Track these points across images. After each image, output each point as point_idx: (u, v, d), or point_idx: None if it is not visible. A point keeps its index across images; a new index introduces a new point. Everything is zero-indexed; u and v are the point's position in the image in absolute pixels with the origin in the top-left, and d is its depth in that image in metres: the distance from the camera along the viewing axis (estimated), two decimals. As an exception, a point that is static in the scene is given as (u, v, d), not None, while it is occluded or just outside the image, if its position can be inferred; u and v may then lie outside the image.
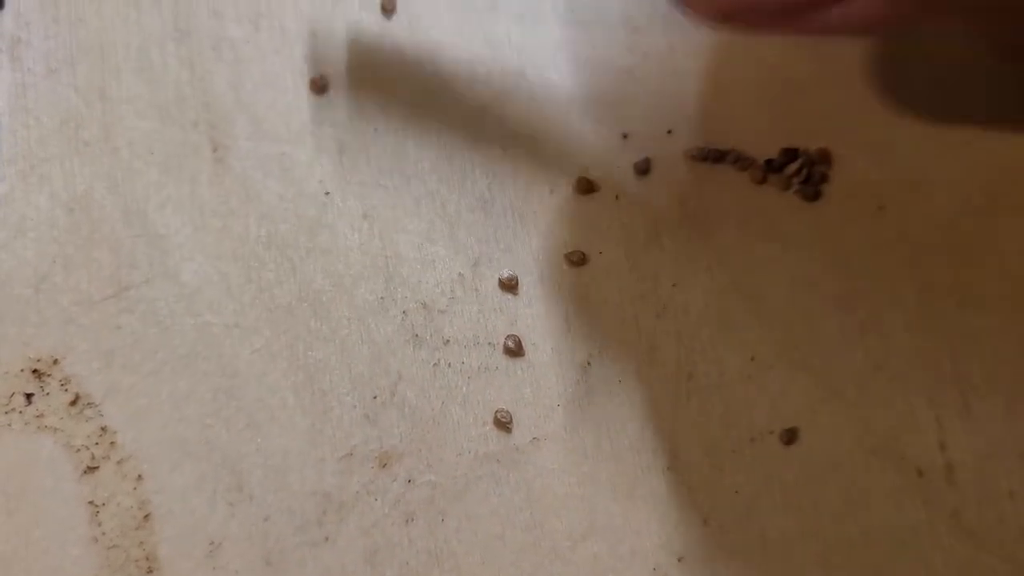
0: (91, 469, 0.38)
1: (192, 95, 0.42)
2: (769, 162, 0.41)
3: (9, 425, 0.39)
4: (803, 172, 0.40)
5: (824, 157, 0.41)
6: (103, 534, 0.37)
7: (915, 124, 0.41)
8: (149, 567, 0.37)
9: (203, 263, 0.40)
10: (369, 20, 0.43)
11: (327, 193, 0.41)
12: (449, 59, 0.43)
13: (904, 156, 0.41)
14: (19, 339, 0.39)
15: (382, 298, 0.40)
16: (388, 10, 0.43)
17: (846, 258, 0.39)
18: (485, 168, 0.41)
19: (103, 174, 0.41)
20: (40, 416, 0.39)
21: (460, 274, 0.40)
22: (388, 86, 0.42)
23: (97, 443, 0.38)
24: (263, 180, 0.41)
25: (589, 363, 0.39)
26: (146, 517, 0.38)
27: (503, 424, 0.38)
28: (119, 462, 0.38)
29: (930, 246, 0.39)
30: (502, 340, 0.39)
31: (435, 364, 0.39)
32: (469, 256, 0.40)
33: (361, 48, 0.43)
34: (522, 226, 0.40)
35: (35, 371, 0.39)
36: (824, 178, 0.41)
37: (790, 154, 0.41)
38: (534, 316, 0.39)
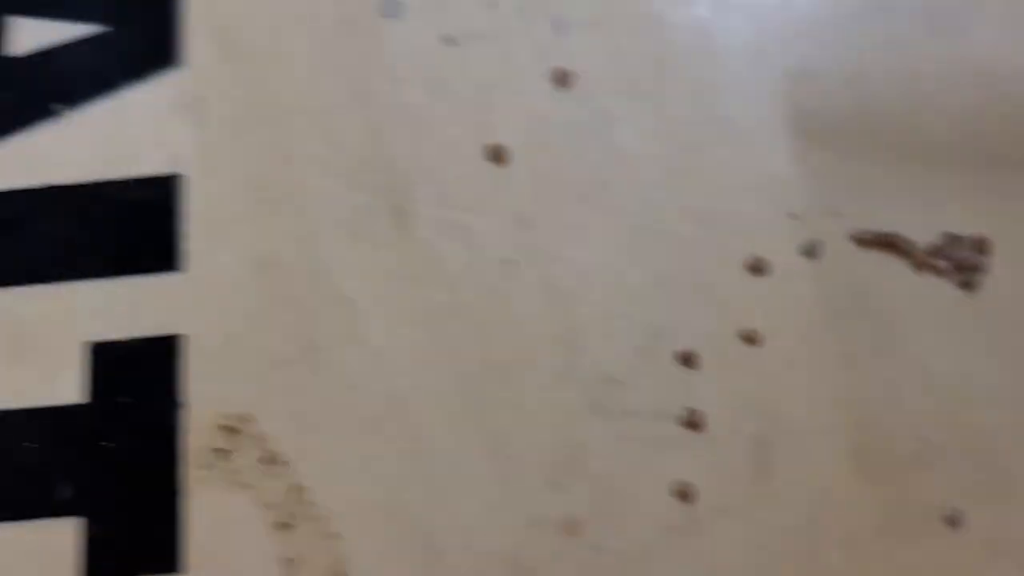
0: (285, 526, 0.39)
1: (374, 159, 0.44)
2: (931, 247, 0.43)
3: (204, 481, 0.40)
4: (965, 259, 0.42)
5: (986, 244, 0.43)
6: (299, 591, 0.39)
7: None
8: (353, 628, 0.38)
9: (390, 328, 0.42)
10: (544, 90, 0.45)
11: (508, 262, 0.42)
12: (625, 134, 0.44)
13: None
14: (213, 396, 0.41)
15: (565, 367, 0.41)
16: (563, 82, 0.45)
17: (1012, 348, 0.41)
18: (663, 242, 0.43)
19: (289, 235, 0.43)
20: (234, 472, 0.40)
21: (640, 347, 0.41)
22: (566, 157, 0.44)
23: (291, 501, 0.40)
24: (445, 247, 0.43)
25: (767, 439, 0.40)
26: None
27: (684, 496, 0.40)
28: (312, 520, 0.40)
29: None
30: (682, 413, 0.41)
31: (617, 434, 0.40)
32: (649, 329, 0.42)
33: (537, 118, 0.44)
34: (699, 301, 0.42)
35: (229, 428, 0.40)
36: (985, 266, 0.42)
37: (951, 240, 0.43)
38: (713, 392, 0.41)
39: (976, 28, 0.46)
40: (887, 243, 0.43)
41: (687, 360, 0.41)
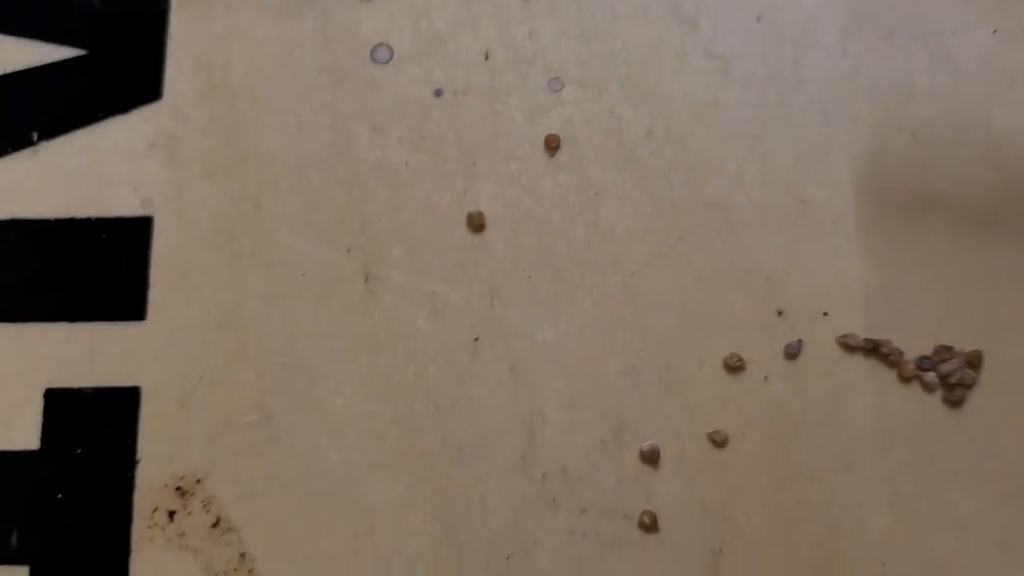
0: (228, 594, 0.39)
1: (349, 218, 0.42)
2: (923, 359, 0.41)
3: (151, 540, 0.40)
4: (955, 374, 0.40)
5: (976, 360, 0.41)
6: (236, 661, 0.39)
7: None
8: None
9: (350, 398, 0.41)
10: (532, 157, 0.43)
11: (476, 339, 0.41)
12: (612, 210, 0.42)
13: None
14: (164, 454, 0.40)
15: (523, 457, 0.40)
16: (552, 147, 0.43)
17: (991, 469, 0.40)
18: (636, 332, 0.41)
19: (254, 291, 0.42)
20: (181, 535, 0.40)
21: (602, 441, 0.40)
22: (547, 230, 0.42)
23: (236, 569, 0.39)
24: (413, 318, 0.41)
25: (721, 549, 0.39)
26: (278, 649, 0.39)
27: (633, 601, 0.39)
28: (256, 591, 0.39)
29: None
30: (638, 514, 0.40)
31: (570, 531, 0.40)
32: (613, 423, 0.40)
33: (521, 187, 0.42)
34: (669, 397, 0.41)
35: (179, 488, 0.40)
36: (972, 382, 0.40)
37: (944, 353, 0.41)
38: (672, 493, 0.40)
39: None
40: (874, 349, 0.41)
41: (649, 459, 0.40)
